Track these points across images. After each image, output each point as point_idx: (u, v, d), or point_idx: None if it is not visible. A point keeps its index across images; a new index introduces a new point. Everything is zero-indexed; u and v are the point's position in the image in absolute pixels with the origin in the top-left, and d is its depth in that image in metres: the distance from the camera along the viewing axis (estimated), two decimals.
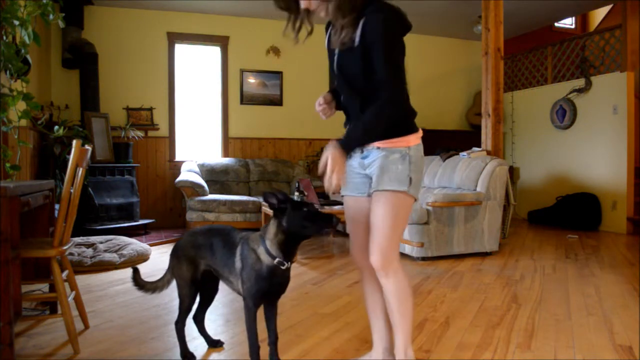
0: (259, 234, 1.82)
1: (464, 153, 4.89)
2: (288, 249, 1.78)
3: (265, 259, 1.77)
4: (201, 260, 2.01)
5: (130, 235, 4.99)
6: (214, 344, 2.27)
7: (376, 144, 1.74)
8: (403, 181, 1.71)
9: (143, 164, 6.18)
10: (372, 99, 1.65)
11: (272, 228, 1.77)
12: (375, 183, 1.75)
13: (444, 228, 4.21)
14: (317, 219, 1.71)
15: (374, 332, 1.93)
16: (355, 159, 1.82)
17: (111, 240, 4.42)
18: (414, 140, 1.75)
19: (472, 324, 2.56)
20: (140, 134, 6.04)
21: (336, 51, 1.72)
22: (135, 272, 2.19)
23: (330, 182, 1.55)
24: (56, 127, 3.15)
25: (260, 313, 1.89)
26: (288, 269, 1.82)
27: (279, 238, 1.75)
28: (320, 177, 1.61)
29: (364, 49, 1.64)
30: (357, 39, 1.64)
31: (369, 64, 1.65)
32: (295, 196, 4.63)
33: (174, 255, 2.08)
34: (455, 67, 7.73)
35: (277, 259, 1.76)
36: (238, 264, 1.85)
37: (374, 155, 1.76)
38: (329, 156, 1.55)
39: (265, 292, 1.81)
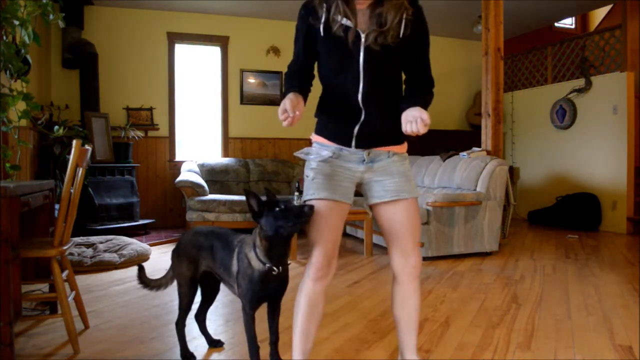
0: (252, 239, 1.78)
1: (464, 153, 4.89)
2: (275, 255, 1.71)
3: (256, 264, 1.73)
4: (202, 260, 2.00)
5: (130, 235, 4.99)
6: (215, 344, 2.27)
7: (389, 148, 1.72)
8: (417, 187, 1.84)
9: (143, 164, 6.17)
10: (395, 96, 1.69)
11: (257, 235, 1.74)
12: (397, 190, 1.70)
13: (444, 228, 4.21)
14: (290, 214, 1.61)
15: (309, 341, 1.71)
16: (358, 163, 1.71)
17: (111, 240, 4.42)
18: None
19: (472, 324, 2.56)
20: (140, 134, 6.04)
21: (362, 48, 1.60)
22: (141, 269, 2.21)
23: (422, 130, 1.54)
24: (56, 127, 3.15)
25: (262, 313, 1.89)
26: (284, 272, 1.77)
27: (264, 244, 1.70)
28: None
29: (408, 44, 1.63)
30: (401, 34, 1.60)
31: (407, 59, 1.68)
32: (295, 196, 4.63)
33: (175, 253, 2.09)
34: (455, 67, 7.72)
35: (267, 265, 1.71)
36: (235, 267, 1.83)
37: (385, 160, 1.71)
38: (425, 116, 1.54)
39: (261, 296, 1.79)
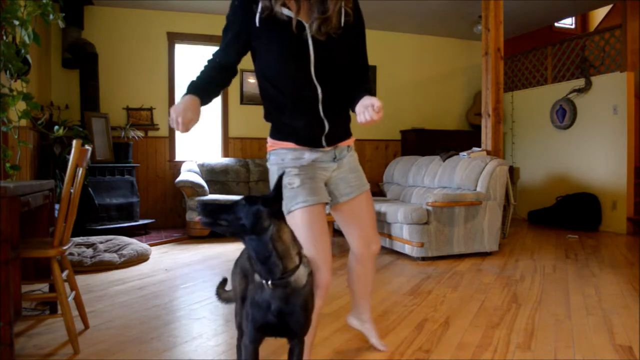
0: None
1: (464, 153, 4.89)
2: (254, 265, 1.37)
3: (257, 276, 1.40)
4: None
5: (130, 235, 4.99)
6: None
7: (347, 142, 1.77)
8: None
9: (143, 164, 6.17)
10: (342, 89, 1.67)
11: None
12: (358, 185, 1.79)
13: (444, 228, 4.21)
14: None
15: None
16: (330, 162, 1.71)
17: (111, 240, 4.42)
18: None
19: (472, 324, 2.56)
20: (140, 134, 6.04)
21: (310, 38, 1.57)
22: (223, 282, 1.99)
23: (375, 116, 1.49)
24: (56, 127, 3.15)
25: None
26: (287, 288, 1.36)
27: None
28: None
29: (348, 34, 1.63)
30: (342, 23, 1.60)
31: (350, 51, 1.68)
32: None
33: (235, 262, 1.76)
34: (455, 67, 7.72)
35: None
36: None
37: (347, 156, 1.76)
38: (376, 102, 1.49)
39: (261, 322, 1.39)
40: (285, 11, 1.54)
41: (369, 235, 1.86)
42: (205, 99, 1.54)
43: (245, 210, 1.29)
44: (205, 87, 1.56)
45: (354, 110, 1.68)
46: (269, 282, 1.34)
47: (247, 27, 1.57)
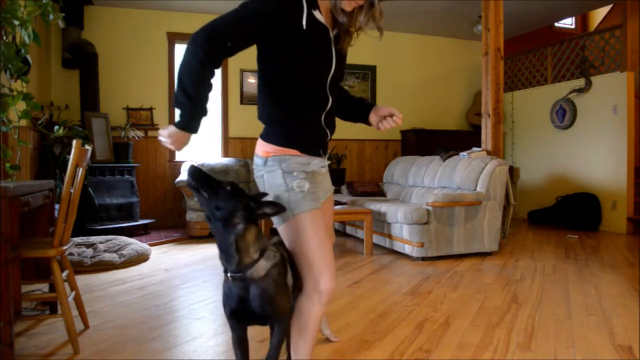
0: None
1: (464, 153, 4.88)
2: (220, 254, 1.44)
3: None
4: None
5: (130, 235, 4.99)
6: None
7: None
8: None
9: (143, 164, 6.17)
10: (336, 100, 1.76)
11: None
12: (329, 187, 1.85)
13: (444, 228, 4.21)
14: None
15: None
16: (322, 167, 1.72)
17: (111, 240, 4.42)
18: None
19: (472, 324, 2.56)
20: (140, 134, 6.04)
21: (334, 52, 1.59)
22: None
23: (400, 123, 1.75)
24: (56, 127, 3.15)
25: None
26: (246, 279, 1.42)
27: None
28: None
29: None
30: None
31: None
32: None
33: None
34: (455, 67, 7.72)
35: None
36: None
37: (325, 162, 1.80)
38: (396, 110, 1.76)
39: (230, 308, 1.47)
40: (319, 16, 1.52)
41: (330, 232, 1.93)
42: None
43: (225, 200, 1.37)
44: (202, 119, 1.63)
45: (358, 119, 1.85)
46: (229, 274, 1.42)
47: (282, 26, 1.45)
